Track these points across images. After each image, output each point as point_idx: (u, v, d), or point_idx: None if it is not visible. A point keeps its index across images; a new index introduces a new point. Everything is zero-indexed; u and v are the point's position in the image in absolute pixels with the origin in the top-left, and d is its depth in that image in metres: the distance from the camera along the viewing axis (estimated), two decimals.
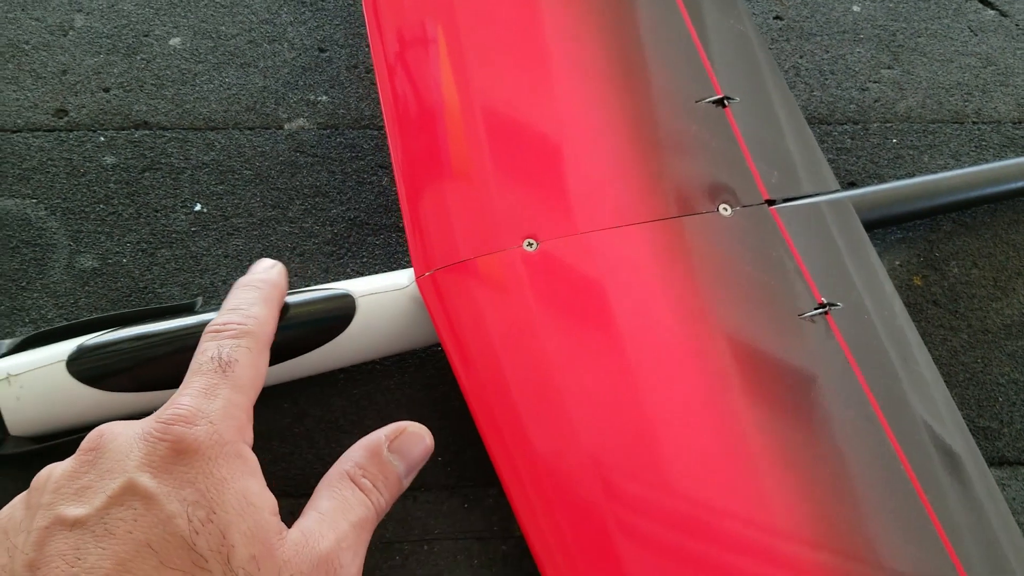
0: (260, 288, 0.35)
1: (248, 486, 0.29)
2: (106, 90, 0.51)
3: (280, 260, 0.43)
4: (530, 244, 0.40)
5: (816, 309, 0.41)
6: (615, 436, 0.36)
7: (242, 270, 0.43)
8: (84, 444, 0.29)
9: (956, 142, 0.54)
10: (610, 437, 0.36)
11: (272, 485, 0.37)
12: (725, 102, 0.46)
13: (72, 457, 0.29)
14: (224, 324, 0.33)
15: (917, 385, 0.40)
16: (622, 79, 0.45)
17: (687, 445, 0.36)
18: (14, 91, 0.50)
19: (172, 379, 0.38)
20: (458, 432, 0.41)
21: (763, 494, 0.36)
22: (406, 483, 0.34)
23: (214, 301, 0.43)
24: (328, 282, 0.40)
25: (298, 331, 0.39)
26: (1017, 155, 0.53)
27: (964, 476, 0.38)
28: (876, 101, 0.55)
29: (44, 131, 0.49)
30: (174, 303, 0.41)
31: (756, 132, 0.46)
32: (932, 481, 0.37)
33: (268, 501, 0.29)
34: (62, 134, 0.49)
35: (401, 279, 0.40)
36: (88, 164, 0.48)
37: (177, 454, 0.28)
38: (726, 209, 0.43)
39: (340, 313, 0.39)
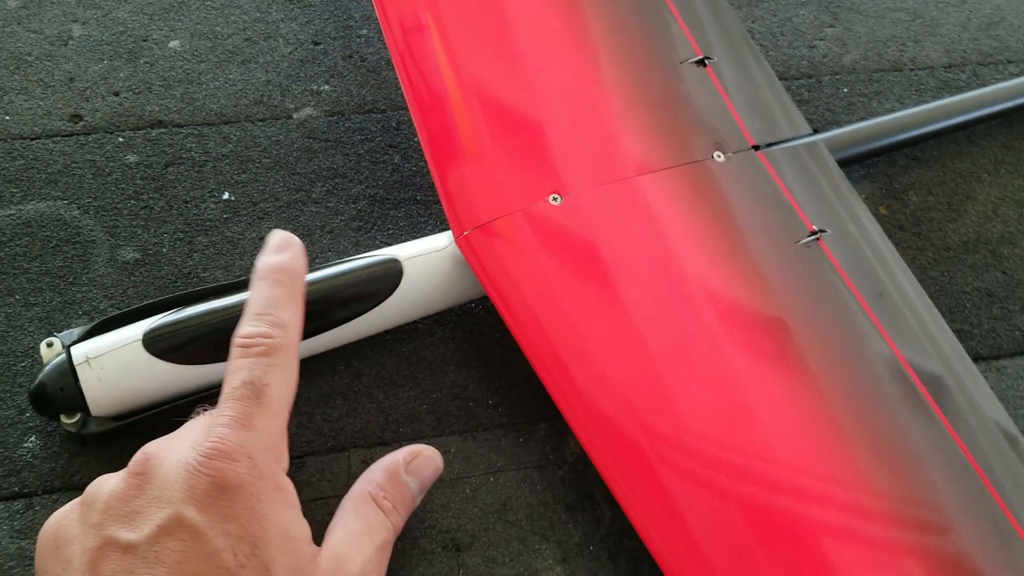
0: (282, 283, 0.35)
1: (288, 519, 0.31)
2: (116, 94, 0.52)
3: (312, 237, 0.47)
4: (555, 199, 0.44)
5: (809, 236, 0.46)
6: (642, 377, 0.40)
7: None
8: (132, 467, 0.30)
9: (898, 88, 0.60)
10: (638, 378, 0.40)
11: (343, 440, 0.41)
12: (705, 62, 0.51)
13: (121, 477, 0.30)
14: (252, 338, 0.33)
15: (903, 295, 0.45)
16: (613, 47, 0.50)
17: (712, 382, 0.40)
18: (25, 100, 0.51)
19: None
20: (503, 377, 0.44)
21: (780, 428, 0.40)
22: (418, 501, 0.37)
23: None
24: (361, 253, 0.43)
25: (353, 296, 0.42)
26: (951, 95, 0.60)
27: (965, 380, 0.43)
28: (824, 57, 0.61)
29: (62, 136, 0.50)
30: (232, 280, 0.44)
31: (735, 86, 0.51)
32: (931, 380, 0.42)
33: (304, 530, 0.31)
34: (80, 137, 0.50)
35: (441, 241, 0.44)
36: (112, 164, 0.50)
37: (220, 489, 0.29)
38: (720, 156, 0.48)
39: (390, 276, 0.42)
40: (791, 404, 0.40)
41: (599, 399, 0.39)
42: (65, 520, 0.30)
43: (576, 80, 0.48)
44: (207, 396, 0.40)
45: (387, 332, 0.45)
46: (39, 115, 0.51)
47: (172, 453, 0.30)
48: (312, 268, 0.42)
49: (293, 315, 0.35)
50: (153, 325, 0.40)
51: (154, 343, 0.39)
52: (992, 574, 0.37)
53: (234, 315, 0.40)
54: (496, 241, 0.43)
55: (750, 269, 0.44)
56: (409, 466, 0.36)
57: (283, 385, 0.33)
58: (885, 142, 0.54)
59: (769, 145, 0.49)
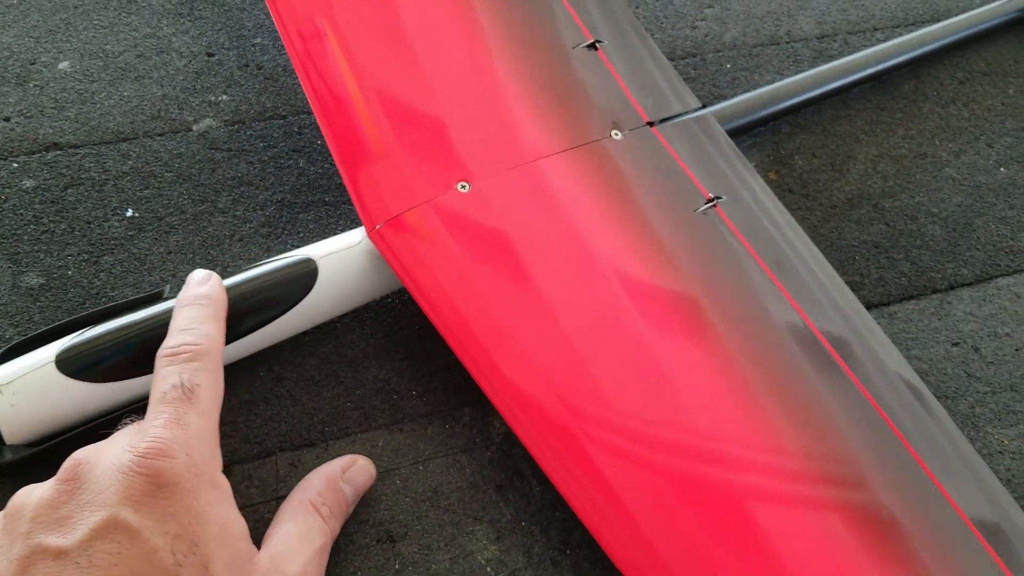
0: (204, 305, 0.37)
1: (226, 516, 0.30)
2: (6, 119, 0.51)
3: (221, 247, 0.47)
4: (463, 186, 0.45)
5: (707, 203, 0.48)
6: (564, 352, 0.41)
7: (187, 263, 0.46)
8: (61, 473, 0.30)
9: (777, 60, 0.63)
10: (559, 353, 0.41)
11: (269, 445, 0.41)
12: (596, 45, 0.53)
13: (49, 484, 0.30)
14: (178, 347, 0.34)
15: (799, 255, 0.48)
16: (506, 37, 0.51)
17: (626, 354, 0.42)
18: None
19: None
20: (425, 367, 0.45)
21: (696, 395, 0.41)
22: (351, 508, 0.38)
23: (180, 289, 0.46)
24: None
25: (269, 300, 0.42)
26: (825, 63, 0.63)
27: (866, 335, 0.46)
28: (706, 36, 0.64)
29: None
30: (142, 294, 0.43)
31: (626, 67, 0.53)
32: (840, 342, 0.45)
33: (242, 527, 0.32)
34: None
35: (354, 237, 0.45)
36: (7, 190, 0.49)
37: (157, 487, 0.29)
38: (617, 134, 0.50)
39: (305, 276, 0.43)
40: (705, 370, 0.42)
41: (520, 379, 0.40)
42: None
43: (474, 71, 0.49)
44: (126, 412, 0.40)
45: (305, 333, 0.46)
46: None
47: (105, 457, 0.30)
48: (225, 275, 0.42)
49: (216, 329, 0.36)
50: (66, 345, 0.39)
51: (68, 363, 0.39)
52: (907, 518, 0.40)
53: (148, 328, 0.40)
54: (408, 232, 0.43)
55: (654, 240, 0.46)
56: (345, 474, 0.38)
57: (212, 385, 0.34)
58: (769, 111, 0.57)
59: (663, 121, 0.52)
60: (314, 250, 0.44)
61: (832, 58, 0.64)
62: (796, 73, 0.62)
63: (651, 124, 0.51)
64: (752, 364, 0.43)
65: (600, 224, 0.46)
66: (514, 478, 0.42)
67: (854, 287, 0.52)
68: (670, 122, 0.52)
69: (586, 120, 0.50)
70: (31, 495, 0.30)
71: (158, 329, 0.40)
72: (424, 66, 0.49)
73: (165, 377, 0.33)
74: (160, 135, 0.52)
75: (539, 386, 0.40)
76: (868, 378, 0.44)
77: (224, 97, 0.55)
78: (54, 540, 0.28)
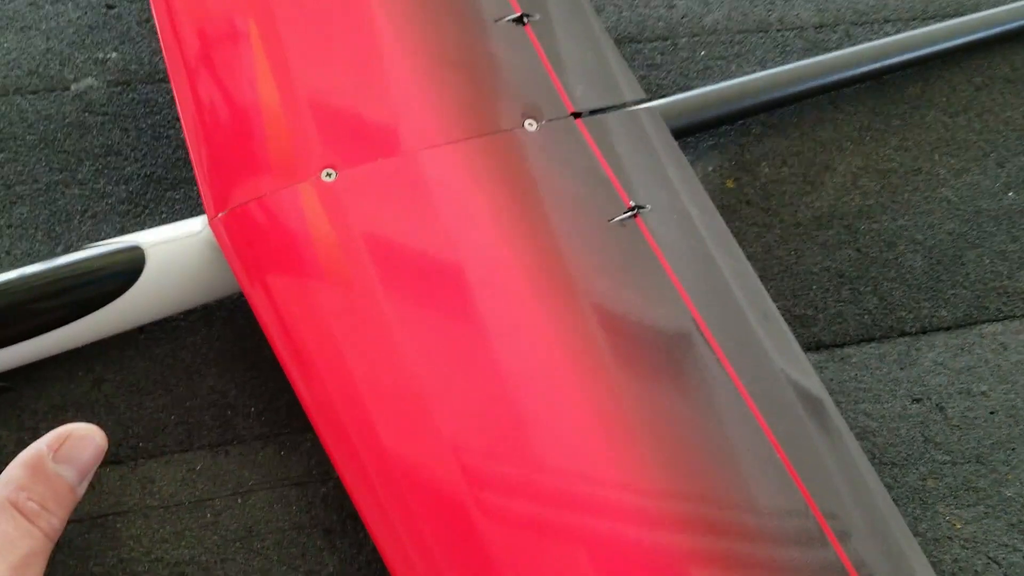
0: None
1: None
2: None
3: (70, 224, 0.41)
4: (328, 174, 0.38)
5: (626, 213, 0.41)
6: (410, 383, 0.34)
7: (27, 239, 0.41)
8: None
9: (762, 50, 0.55)
10: (403, 384, 0.34)
11: None
12: (524, 19, 0.45)
13: None
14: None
15: (728, 276, 0.40)
16: (414, 3, 0.44)
17: (486, 386, 0.35)
18: None
19: None
20: (270, 380, 0.39)
21: (590, 441, 0.35)
22: (80, 491, 0.32)
23: None
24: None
25: (79, 290, 0.36)
26: (818, 56, 0.55)
27: (774, 366, 0.38)
28: (683, 17, 0.56)
29: None
30: None
31: (558, 48, 0.45)
32: (763, 393, 0.37)
33: None
34: None
35: (195, 225, 0.38)
36: None
37: None
38: (531, 124, 0.42)
39: (126, 266, 0.37)
40: (579, 406, 0.35)
41: (349, 410, 0.34)
42: None
43: (364, 40, 0.43)
44: None
45: (140, 330, 0.40)
46: None
47: None
48: (40, 261, 0.37)
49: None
50: None
51: None
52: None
53: None
54: (253, 225, 0.37)
55: (549, 252, 0.39)
56: (57, 453, 0.31)
57: None
58: (735, 107, 0.49)
59: (593, 113, 0.44)
60: (144, 237, 0.38)
61: (828, 51, 0.55)
62: (781, 65, 0.54)
63: (576, 115, 0.43)
64: (639, 397, 0.36)
65: (486, 231, 0.39)
66: (347, 522, 0.36)
67: (805, 321, 0.44)
68: (601, 115, 0.44)
69: (494, 105, 0.42)
70: None
71: None
72: (304, 31, 0.42)
73: None
74: (33, 93, 0.47)
75: (368, 419, 0.34)
76: (776, 415, 0.36)
77: (114, 55, 0.49)
78: None
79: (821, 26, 0.57)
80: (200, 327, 0.40)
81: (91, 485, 0.35)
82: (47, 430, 0.36)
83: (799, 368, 0.38)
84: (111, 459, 0.36)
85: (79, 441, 0.32)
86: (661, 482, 0.34)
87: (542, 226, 0.39)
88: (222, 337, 0.40)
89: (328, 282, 0.36)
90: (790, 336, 0.39)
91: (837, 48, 0.55)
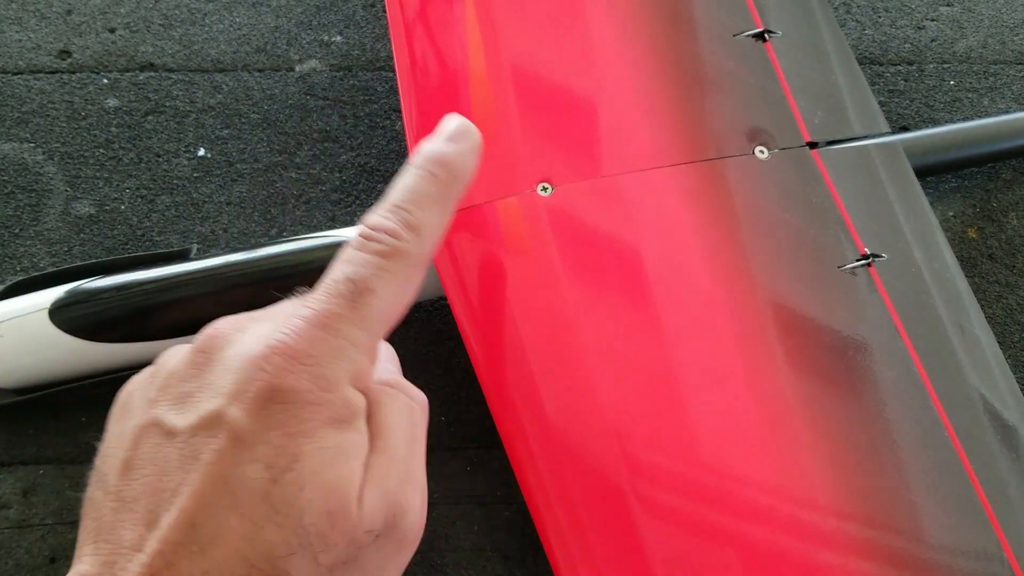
0: (439, 180, 0.29)
1: (340, 438, 0.26)
2: (111, 31, 0.48)
3: (285, 207, 0.41)
4: (545, 188, 0.37)
5: (858, 260, 0.37)
6: (635, 402, 0.33)
7: (244, 218, 0.41)
8: (199, 340, 0.26)
9: (1020, 84, 0.49)
10: (630, 403, 0.33)
11: None
12: (766, 36, 0.42)
13: (187, 352, 0.26)
14: (377, 231, 0.27)
15: (968, 346, 0.36)
16: (653, 11, 0.42)
17: (714, 409, 0.33)
18: (17, 32, 0.48)
19: (162, 330, 0.36)
20: (463, 390, 0.38)
21: (795, 463, 0.33)
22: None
23: (211, 249, 0.41)
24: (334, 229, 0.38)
25: (295, 280, 0.36)
26: None
27: (1018, 448, 0.34)
28: (933, 40, 0.51)
29: (46, 73, 0.47)
30: (167, 250, 0.39)
31: (799, 69, 0.42)
32: (979, 451, 0.34)
33: (358, 452, 0.26)
34: (64, 76, 0.47)
35: None
36: (89, 107, 0.46)
37: (274, 390, 0.25)
38: (762, 152, 0.39)
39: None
40: (814, 456, 0.33)
41: (572, 428, 0.32)
42: (135, 388, 0.27)
43: (602, 52, 0.41)
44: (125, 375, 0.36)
45: None
46: (27, 48, 0.47)
47: (240, 337, 0.26)
48: (255, 246, 0.37)
49: (436, 220, 0.28)
50: (62, 295, 0.35)
51: (61, 315, 0.35)
52: None
53: (158, 290, 0.35)
54: (468, 231, 0.36)
55: (770, 293, 0.36)
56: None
57: (389, 297, 0.27)
58: (985, 149, 0.44)
59: (830, 144, 0.40)
60: (354, 232, 0.37)
61: None
62: None
63: (813, 145, 0.40)
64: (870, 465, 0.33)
65: (698, 260, 0.36)
66: (528, 551, 0.35)
67: None
68: (839, 146, 0.40)
69: (724, 129, 0.40)
70: (170, 358, 0.27)
71: (169, 293, 0.36)
72: (530, 36, 0.40)
73: (344, 262, 0.27)
74: (259, 71, 0.47)
75: (596, 435, 0.32)
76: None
77: (338, 38, 0.49)
78: (170, 417, 0.25)
79: None
80: (398, 327, 0.40)
81: None
82: None
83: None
84: None
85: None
86: (843, 505, 0.32)
87: (765, 265, 0.37)
88: (419, 339, 0.40)
89: (532, 292, 0.35)
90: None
91: None
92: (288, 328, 0.25)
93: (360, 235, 0.27)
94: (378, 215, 0.28)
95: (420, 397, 0.28)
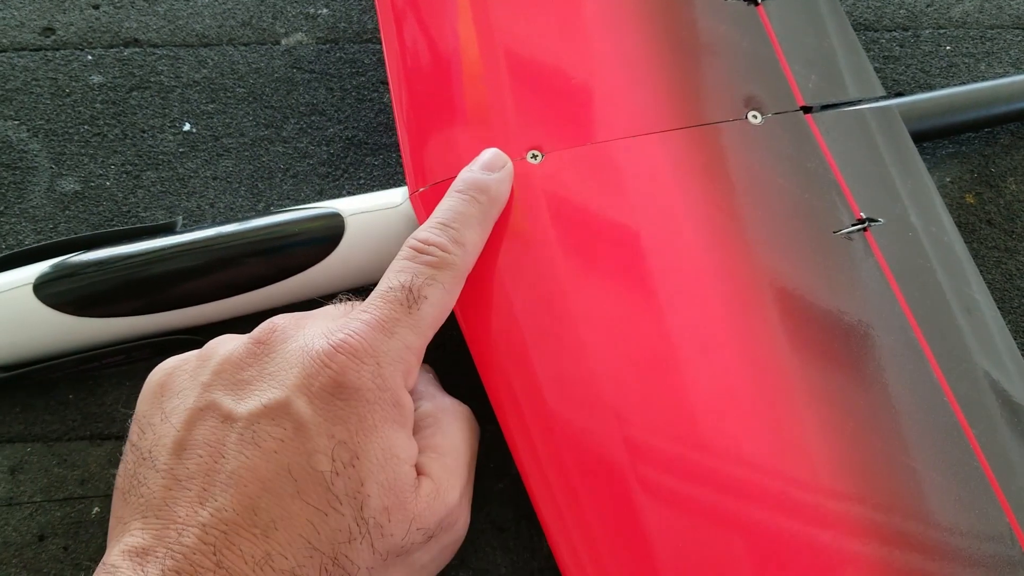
0: (479, 203, 0.33)
1: (395, 437, 0.28)
2: (95, 7, 0.48)
3: (272, 181, 0.41)
4: (535, 156, 0.36)
5: (854, 225, 0.37)
6: (628, 372, 0.32)
7: (231, 192, 0.41)
8: (256, 333, 0.29)
9: (1017, 49, 0.49)
10: (623, 373, 0.32)
11: None
12: (758, 0, 0.41)
13: (242, 341, 0.28)
14: (428, 244, 0.31)
15: (966, 310, 0.36)
16: None
17: (708, 378, 0.33)
18: (0, 9, 0.47)
19: (151, 304, 0.36)
20: (454, 363, 0.37)
21: (792, 435, 0.32)
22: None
23: (195, 222, 0.41)
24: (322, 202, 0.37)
25: (283, 253, 0.36)
26: None
27: (1019, 415, 0.34)
28: (929, 5, 0.50)
29: (30, 50, 0.46)
30: (152, 223, 0.39)
31: (792, 32, 0.41)
32: (982, 419, 0.33)
33: (410, 452, 0.28)
34: (48, 53, 0.46)
35: (395, 197, 0.37)
36: (74, 84, 0.45)
37: (338, 387, 0.27)
38: (756, 116, 0.39)
39: (327, 232, 0.36)
40: (786, 411, 0.32)
41: (570, 409, 0.32)
42: (178, 370, 0.29)
43: (589, 20, 0.40)
44: (113, 351, 0.36)
45: (330, 298, 0.39)
46: (11, 26, 0.47)
47: (301, 333, 0.28)
48: (241, 219, 0.37)
49: (477, 238, 0.33)
50: (47, 269, 0.35)
51: (46, 290, 0.35)
52: None
53: (144, 264, 0.35)
54: None
55: (759, 255, 0.35)
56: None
57: (439, 304, 0.30)
58: (982, 113, 0.44)
59: (825, 108, 0.40)
60: (346, 205, 0.37)
61: None
62: None
63: (807, 110, 0.39)
64: (862, 430, 0.32)
65: (693, 226, 0.36)
66: (521, 522, 0.34)
67: None
68: (834, 110, 0.40)
69: (718, 93, 0.39)
70: (223, 346, 0.29)
71: (156, 267, 0.35)
72: (529, 9, 0.40)
73: (398, 272, 0.30)
74: (244, 45, 0.47)
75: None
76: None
77: (324, 10, 0.48)
78: (228, 402, 0.26)
79: None
80: None
81: None
82: None
83: None
84: None
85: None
86: (843, 483, 0.31)
87: (760, 231, 0.36)
88: None
89: (524, 262, 0.34)
90: None
91: None
92: (351, 328, 0.28)
93: (411, 247, 0.31)
94: (429, 231, 0.31)
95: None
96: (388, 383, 0.28)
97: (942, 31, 0.49)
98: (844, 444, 0.32)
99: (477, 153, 0.35)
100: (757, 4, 0.41)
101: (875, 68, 0.47)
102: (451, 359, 0.37)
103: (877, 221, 0.37)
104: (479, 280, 0.34)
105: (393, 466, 0.27)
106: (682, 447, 0.31)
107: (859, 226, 0.37)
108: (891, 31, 0.49)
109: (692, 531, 0.30)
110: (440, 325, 0.30)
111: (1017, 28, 0.49)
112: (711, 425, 0.32)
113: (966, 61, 0.48)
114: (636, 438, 0.31)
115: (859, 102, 0.40)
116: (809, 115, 0.39)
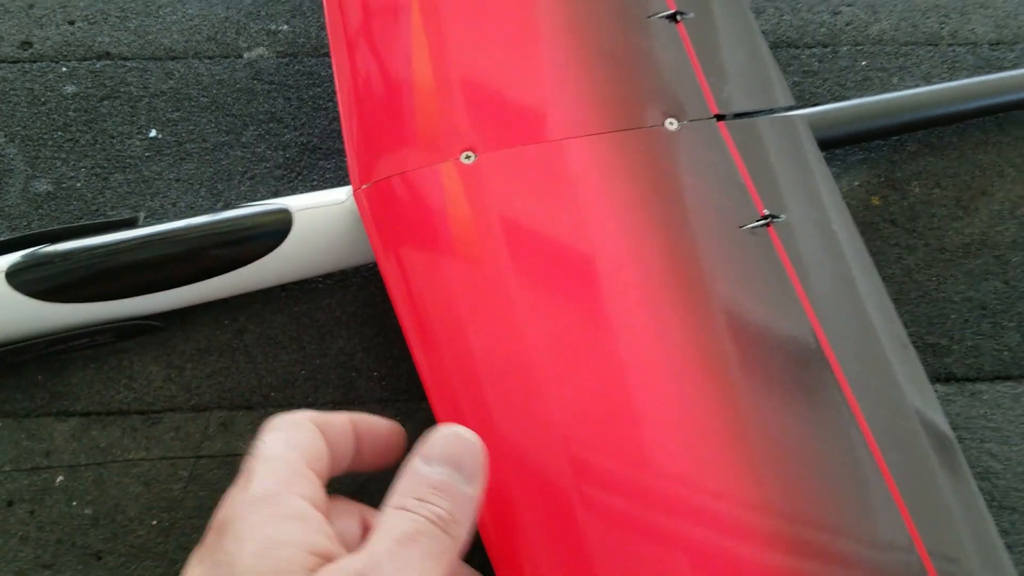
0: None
1: None
2: (71, 23, 0.51)
3: (231, 182, 0.44)
4: (468, 156, 0.40)
5: (758, 221, 0.40)
6: (553, 372, 0.35)
7: (192, 193, 0.44)
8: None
9: (929, 64, 0.53)
10: (548, 372, 0.35)
11: (207, 399, 0.39)
12: (678, 17, 0.45)
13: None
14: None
15: (859, 297, 0.39)
16: None
17: (628, 393, 0.35)
18: None
19: (114, 291, 0.39)
20: (394, 348, 0.41)
21: (707, 449, 0.34)
22: (472, 491, 0.29)
23: (157, 217, 0.44)
24: None
25: (236, 245, 0.39)
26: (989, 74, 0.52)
27: (918, 413, 0.36)
28: (848, 24, 0.54)
29: (8, 62, 0.49)
30: (116, 218, 0.42)
31: (709, 47, 0.45)
32: (879, 418, 0.36)
33: None
34: (25, 65, 0.49)
35: (340, 195, 0.41)
36: (49, 93, 0.48)
37: None
38: (672, 123, 0.42)
39: (276, 227, 0.39)
40: (690, 407, 0.35)
41: (464, 385, 0.35)
42: None
43: (519, 26, 0.44)
44: (80, 334, 0.39)
45: (282, 289, 0.42)
46: None
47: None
48: (199, 214, 0.40)
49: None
50: (19, 258, 0.38)
51: (18, 277, 0.38)
52: None
53: (109, 254, 0.38)
54: (397, 198, 0.39)
55: (676, 250, 0.39)
56: (426, 453, 0.31)
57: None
58: (890, 122, 0.47)
59: (737, 116, 0.44)
60: (294, 201, 0.40)
61: (1002, 70, 0.52)
62: (948, 81, 0.52)
63: (720, 118, 0.43)
64: (753, 410, 0.35)
65: (618, 224, 0.39)
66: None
67: (938, 351, 0.42)
68: (746, 119, 0.43)
69: (639, 102, 0.43)
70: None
71: (121, 257, 0.38)
72: (458, 11, 0.43)
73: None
74: (209, 58, 0.50)
75: (481, 395, 0.35)
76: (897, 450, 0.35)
77: (285, 27, 0.52)
78: None
79: (998, 43, 0.54)
80: (336, 291, 0.43)
81: (223, 426, 0.38)
82: (193, 370, 0.40)
83: (927, 401, 0.37)
84: (244, 405, 0.39)
85: (443, 439, 0.31)
86: (757, 494, 0.33)
87: (673, 225, 0.40)
88: (355, 302, 0.42)
89: (458, 260, 0.38)
90: (919, 367, 0.38)
91: (1013, 67, 0.53)
92: None
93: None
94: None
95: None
96: None
97: (859, 47, 0.53)
98: (750, 452, 0.34)
99: (414, 151, 0.39)
100: (677, 21, 0.45)
101: (794, 82, 0.51)
102: (390, 342, 0.40)
103: (779, 217, 0.40)
104: (413, 276, 0.37)
105: None
106: (612, 461, 0.34)
107: (762, 221, 0.40)
108: (812, 48, 0.53)
109: (625, 544, 0.32)
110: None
111: (930, 45, 0.53)
112: (627, 436, 0.34)
113: (880, 75, 0.52)
114: (554, 434, 0.34)
115: (770, 111, 0.44)
116: (722, 123, 0.43)
